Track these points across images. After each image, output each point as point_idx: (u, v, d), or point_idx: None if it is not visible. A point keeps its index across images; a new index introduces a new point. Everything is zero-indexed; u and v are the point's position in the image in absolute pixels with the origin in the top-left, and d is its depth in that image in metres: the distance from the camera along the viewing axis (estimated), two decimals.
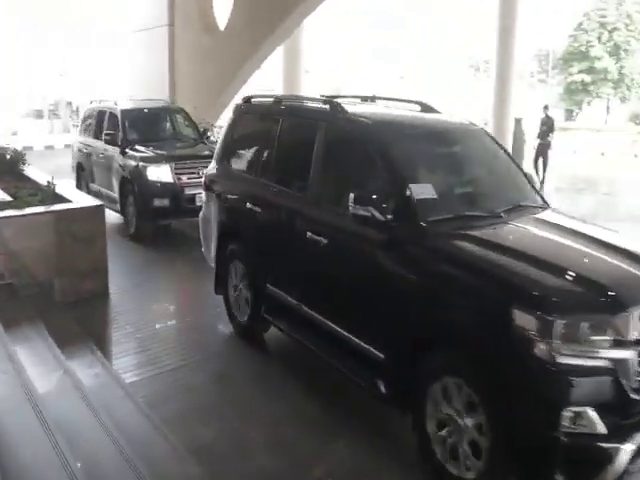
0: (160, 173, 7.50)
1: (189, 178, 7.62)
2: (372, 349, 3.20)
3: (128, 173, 7.78)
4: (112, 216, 7.82)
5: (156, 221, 7.95)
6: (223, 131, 5.22)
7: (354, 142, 3.69)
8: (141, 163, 7.60)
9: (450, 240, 3.05)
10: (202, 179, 7.62)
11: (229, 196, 4.78)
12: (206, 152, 8.07)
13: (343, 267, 3.52)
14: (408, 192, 3.14)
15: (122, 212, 8.02)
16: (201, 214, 5.33)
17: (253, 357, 4.21)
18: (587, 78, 35.05)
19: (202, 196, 5.42)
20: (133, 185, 7.68)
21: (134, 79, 13.56)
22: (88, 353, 3.67)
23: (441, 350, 2.90)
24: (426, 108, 4.37)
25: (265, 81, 18.80)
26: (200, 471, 2.62)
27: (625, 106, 37.09)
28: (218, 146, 5.24)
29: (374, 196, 3.18)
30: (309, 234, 3.65)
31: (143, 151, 8.03)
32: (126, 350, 4.26)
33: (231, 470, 2.88)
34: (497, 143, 4.10)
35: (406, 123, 3.97)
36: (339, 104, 3.90)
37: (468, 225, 3.15)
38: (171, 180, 7.54)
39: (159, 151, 8.08)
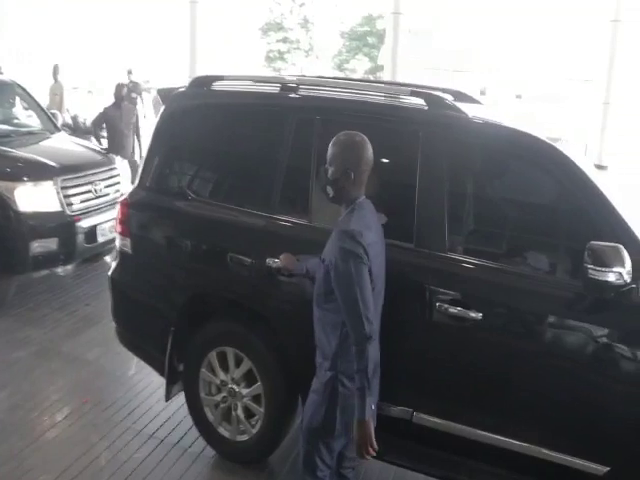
0: (39, 197, 5.23)
1: (83, 201, 5.49)
2: None
3: None
4: None
5: (32, 274, 5.59)
6: (154, 137, 3.73)
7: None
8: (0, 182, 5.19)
9: None
10: (106, 209, 5.88)
11: (217, 247, 3.42)
12: (98, 157, 5.99)
13: None
14: None
15: None
16: (114, 272, 3.79)
17: None
18: (283, 47, 37.11)
19: (116, 241, 3.83)
20: None
21: None
22: None
23: None
24: (463, 97, 3.48)
25: None
26: None
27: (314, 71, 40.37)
28: (147, 159, 3.72)
29: None
30: None
31: None
32: None
33: None
34: None
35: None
36: (450, 102, 3.00)
37: None
38: (58, 207, 5.32)
39: (23, 155, 5.61)
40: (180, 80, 15.43)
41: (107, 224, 5.57)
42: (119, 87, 8.55)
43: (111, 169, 5.92)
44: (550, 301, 2.75)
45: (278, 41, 36.91)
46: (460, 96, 3.52)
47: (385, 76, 15.33)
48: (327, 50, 39.96)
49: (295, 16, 37.43)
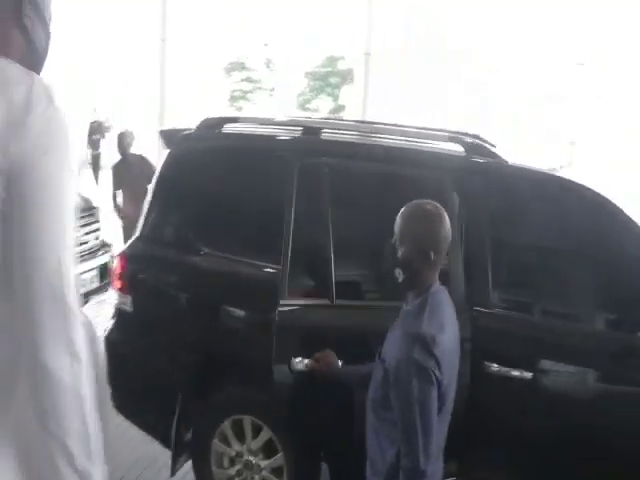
0: None
1: None
2: None
3: None
4: None
5: None
6: (156, 184, 3.49)
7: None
8: None
9: None
10: (85, 258, 5.53)
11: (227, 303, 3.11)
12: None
13: None
14: None
15: None
16: (110, 334, 3.44)
17: None
18: (246, 87, 37.21)
19: (114, 299, 3.56)
20: None
21: None
22: None
23: None
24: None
25: None
26: None
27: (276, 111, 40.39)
28: (149, 208, 3.48)
29: None
30: None
31: None
32: None
33: None
34: None
35: None
36: (490, 148, 2.88)
37: None
38: None
39: None
40: (146, 119, 14.90)
41: (87, 274, 5.20)
42: (122, 137, 6.95)
43: (90, 215, 5.56)
44: (610, 359, 2.55)
45: (242, 80, 37.09)
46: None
47: (350, 116, 15.48)
48: (290, 90, 40.32)
49: (258, 56, 37.69)
